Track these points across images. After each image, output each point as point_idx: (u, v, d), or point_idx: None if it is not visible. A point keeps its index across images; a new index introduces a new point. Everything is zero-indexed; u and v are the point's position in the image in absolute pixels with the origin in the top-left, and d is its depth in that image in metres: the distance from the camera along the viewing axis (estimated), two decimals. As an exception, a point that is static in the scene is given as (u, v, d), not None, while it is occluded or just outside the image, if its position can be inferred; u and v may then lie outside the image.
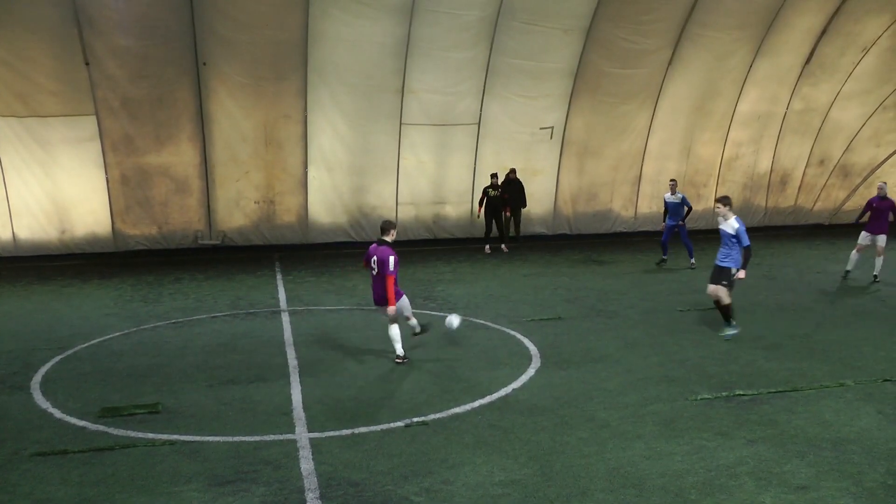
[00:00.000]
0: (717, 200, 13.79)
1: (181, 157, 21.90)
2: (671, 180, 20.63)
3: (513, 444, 8.78)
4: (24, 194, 21.66)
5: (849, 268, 18.63)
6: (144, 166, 21.87)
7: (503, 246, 22.46)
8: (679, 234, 20.18)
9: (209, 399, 10.43)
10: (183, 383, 11.14)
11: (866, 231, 18.34)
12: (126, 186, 21.97)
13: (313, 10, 20.40)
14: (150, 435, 9.16)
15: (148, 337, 13.73)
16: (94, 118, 21.26)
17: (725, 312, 13.43)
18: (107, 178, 21.81)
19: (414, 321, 12.62)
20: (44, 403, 10.42)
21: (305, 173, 22.48)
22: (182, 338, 13.68)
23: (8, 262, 21.21)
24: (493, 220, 22.70)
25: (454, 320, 12.74)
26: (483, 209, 22.70)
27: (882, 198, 18.24)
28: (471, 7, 21.34)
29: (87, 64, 20.51)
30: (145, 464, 8.41)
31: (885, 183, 18.87)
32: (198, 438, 9.03)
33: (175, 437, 9.09)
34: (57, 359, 12.46)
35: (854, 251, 18.48)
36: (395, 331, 11.91)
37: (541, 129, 23.99)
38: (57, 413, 10.03)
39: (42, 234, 22.00)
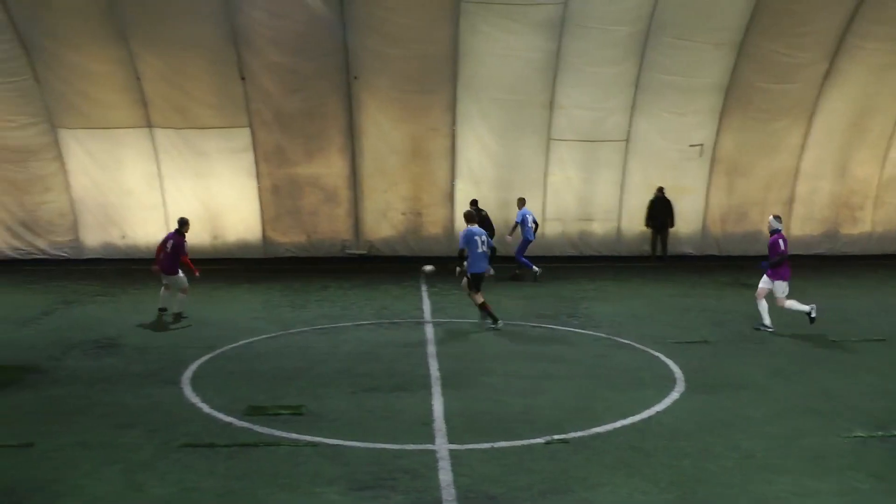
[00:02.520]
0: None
1: (331, 168, 22.34)
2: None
3: (654, 468, 8.42)
4: (180, 201, 22.55)
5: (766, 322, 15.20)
6: (295, 177, 22.41)
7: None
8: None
9: (351, 405, 10.46)
10: (326, 388, 11.22)
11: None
12: (277, 196, 22.56)
13: (463, 26, 20.50)
14: (294, 435, 9.24)
15: (294, 341, 13.96)
16: (247, 130, 21.97)
17: (485, 311, 15.10)
18: (258, 188, 22.46)
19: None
20: (193, 398, 10.72)
21: (452, 186, 22.56)
22: (327, 344, 13.84)
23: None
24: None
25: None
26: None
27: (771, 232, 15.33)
28: (620, 22, 21.02)
29: (242, 79, 21.21)
30: (288, 463, 8.48)
31: (773, 216, 15.67)
32: (339, 442, 9.04)
33: (318, 439, 9.13)
34: (206, 357, 12.81)
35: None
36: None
37: (690, 146, 23.39)
38: (205, 408, 10.29)
39: (195, 239, 22.70)
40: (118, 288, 19.58)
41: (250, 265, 22.23)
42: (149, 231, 23.29)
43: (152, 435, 9.35)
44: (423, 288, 19.00)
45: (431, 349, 13.42)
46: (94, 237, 23.69)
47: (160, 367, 12.33)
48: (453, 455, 8.69)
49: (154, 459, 8.61)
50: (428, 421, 9.80)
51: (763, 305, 15.13)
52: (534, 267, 20.46)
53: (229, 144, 22.25)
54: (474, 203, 21.57)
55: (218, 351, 13.25)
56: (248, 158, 22.28)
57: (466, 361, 12.67)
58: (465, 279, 15.34)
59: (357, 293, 18.49)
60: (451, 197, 22.65)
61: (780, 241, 15.00)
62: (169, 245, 15.99)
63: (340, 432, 9.36)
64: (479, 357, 12.97)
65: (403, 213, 22.84)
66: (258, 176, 22.41)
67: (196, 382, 11.46)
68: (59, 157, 22.75)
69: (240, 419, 9.80)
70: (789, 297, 15.07)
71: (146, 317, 16.31)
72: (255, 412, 10.06)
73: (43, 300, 17.95)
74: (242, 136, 22.11)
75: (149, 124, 22.09)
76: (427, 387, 11.26)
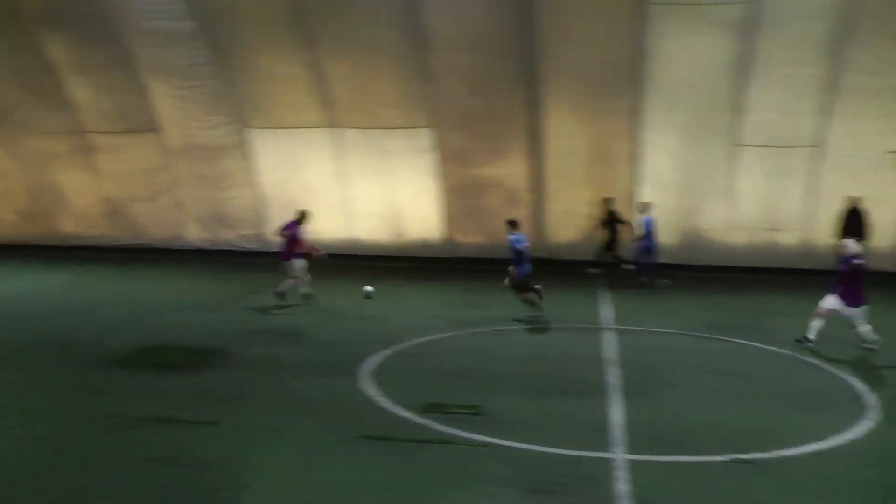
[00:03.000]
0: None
1: (513, 169, 22.26)
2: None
3: (839, 499, 7.95)
4: (365, 199, 23.09)
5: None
6: (477, 177, 22.48)
7: None
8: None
9: (528, 407, 10.39)
10: (503, 389, 11.19)
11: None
12: (458, 196, 22.71)
13: (650, 28, 19.93)
14: (469, 435, 9.25)
15: (472, 341, 14.01)
16: (431, 130, 22.18)
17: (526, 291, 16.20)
18: (441, 188, 22.68)
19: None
20: (372, 391, 10.93)
21: (634, 191, 21.99)
22: (505, 345, 13.81)
23: (347, 259, 22.62)
24: None
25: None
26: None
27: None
28: (814, 20, 19.83)
29: (427, 80, 21.42)
30: (462, 461, 8.49)
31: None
32: (514, 444, 8.99)
33: (492, 440, 9.11)
34: (386, 352, 13.01)
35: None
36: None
37: (889, 152, 21.97)
38: (383, 402, 10.47)
39: (378, 236, 23.35)
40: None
41: (432, 264, 22.46)
42: (330, 228, 23.93)
43: (330, 424, 9.61)
44: (604, 294, 18.67)
45: (610, 356, 13.15)
46: (278, 232, 24.59)
47: (340, 359, 12.65)
48: (630, 465, 8.49)
49: (330, 447, 8.85)
50: (605, 428, 9.62)
51: (817, 323, 14.01)
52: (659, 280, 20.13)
53: (412, 144, 22.56)
54: (608, 202, 21.40)
55: (397, 347, 13.45)
56: (431, 158, 22.53)
57: (646, 370, 12.35)
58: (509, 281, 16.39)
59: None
60: (632, 203, 22.07)
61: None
62: (287, 234, 17.12)
63: (516, 434, 9.30)
64: (659, 367, 12.61)
65: (586, 218, 22.49)
66: (440, 176, 22.62)
67: (375, 376, 11.68)
68: (247, 156, 23.77)
69: (416, 415, 9.91)
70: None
71: (327, 309, 16.77)
72: (431, 409, 10.14)
73: (231, 289, 18.77)
74: (425, 137, 22.36)
75: (333, 124, 22.71)
76: (605, 394, 11.05)
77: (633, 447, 8.99)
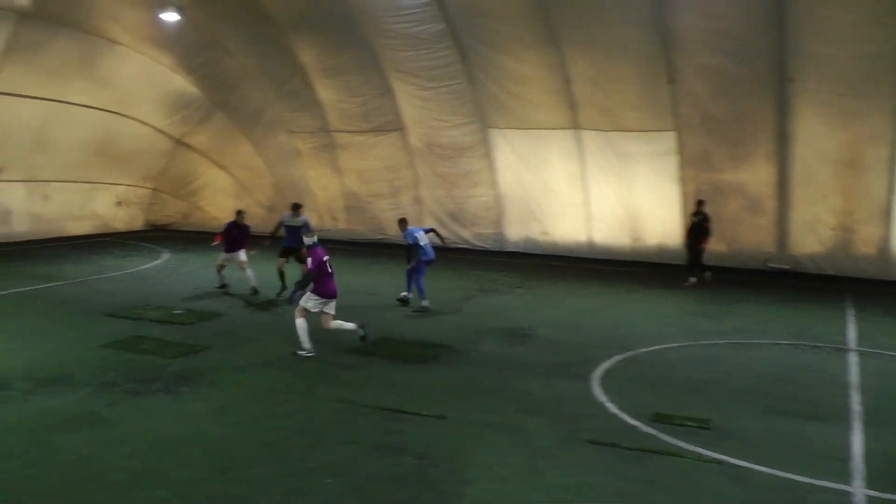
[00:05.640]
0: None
1: (756, 175, 21.40)
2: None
3: None
4: (601, 202, 22.97)
5: None
6: (718, 182, 21.81)
7: None
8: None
9: (761, 426, 9.95)
10: (736, 405, 10.78)
11: None
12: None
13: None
14: (699, 449, 8.99)
15: (705, 352, 13.59)
16: (673, 134, 21.72)
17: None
18: (681, 192, 22.16)
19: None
20: (601, 396, 10.85)
21: (890, 201, 20.49)
22: (740, 359, 13.30)
23: (582, 262, 22.61)
24: None
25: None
26: None
27: None
28: None
29: (670, 82, 20.94)
30: (689, 476, 8.27)
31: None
32: (745, 464, 8.65)
33: (722, 457, 8.81)
34: (616, 358, 12.88)
35: None
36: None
37: None
38: (612, 408, 10.37)
39: (615, 239, 23.17)
40: (535, 281, 20.35)
41: (668, 270, 21.97)
42: (568, 228, 24.01)
43: (557, 426, 9.64)
44: (851, 312, 17.59)
45: (854, 380, 12.28)
46: (515, 231, 24.91)
47: (570, 362, 12.65)
48: (871, 502, 7.92)
49: (557, 450, 8.87)
50: (844, 458, 9.00)
51: (301, 325, 12.85)
52: (408, 294, 17.34)
53: (653, 148, 22.17)
54: (701, 203, 20.57)
55: (629, 353, 13.28)
56: (672, 162, 22.05)
57: (892, 399, 11.42)
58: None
59: (776, 310, 17.57)
60: (887, 213, 20.49)
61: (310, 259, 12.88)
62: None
63: (747, 453, 8.95)
64: (911, 397, 11.66)
65: (832, 229, 21.14)
66: (681, 180, 22.10)
67: (604, 381, 11.60)
68: (488, 155, 24.24)
69: (645, 424, 9.75)
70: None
71: (560, 311, 16.83)
72: (660, 419, 9.95)
73: (464, 287, 19.16)
74: (667, 140, 21.90)
75: (575, 126, 22.68)
76: (845, 420, 10.34)
77: (873, 482, 8.35)
